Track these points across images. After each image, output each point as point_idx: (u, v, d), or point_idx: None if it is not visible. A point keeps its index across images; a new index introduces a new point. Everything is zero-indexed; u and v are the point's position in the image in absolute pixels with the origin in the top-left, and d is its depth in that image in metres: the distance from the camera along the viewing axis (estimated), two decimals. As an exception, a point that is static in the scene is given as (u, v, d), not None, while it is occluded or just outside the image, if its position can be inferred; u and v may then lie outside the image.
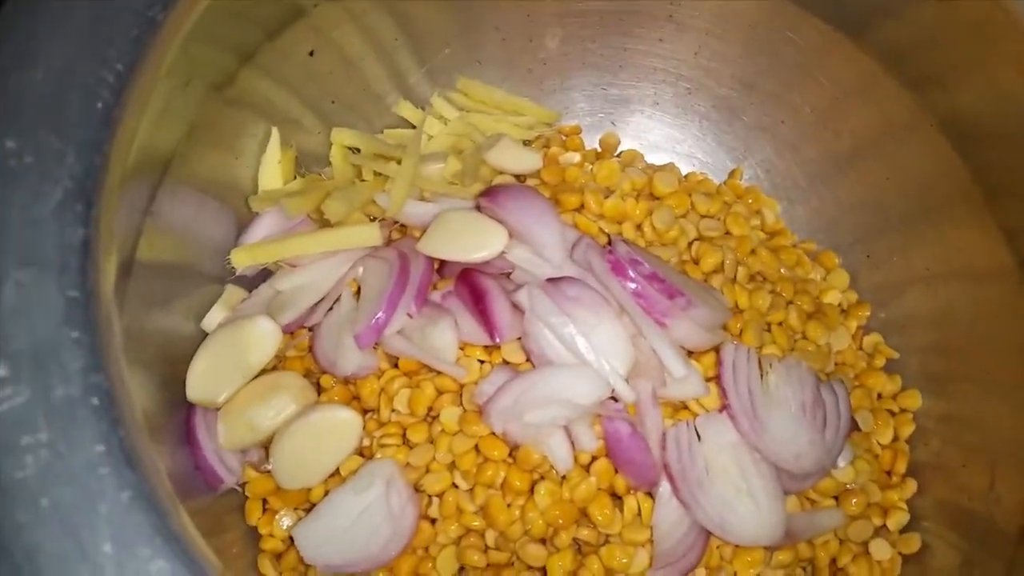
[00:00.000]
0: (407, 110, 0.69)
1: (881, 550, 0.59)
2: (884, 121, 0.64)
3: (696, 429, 0.54)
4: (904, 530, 0.61)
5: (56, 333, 0.36)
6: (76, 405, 0.35)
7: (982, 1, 0.53)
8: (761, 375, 0.55)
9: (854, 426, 0.61)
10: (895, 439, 0.63)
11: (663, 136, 0.74)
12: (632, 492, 0.54)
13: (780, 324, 0.61)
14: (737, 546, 0.54)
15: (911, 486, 0.62)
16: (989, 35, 0.54)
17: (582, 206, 0.62)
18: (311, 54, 0.62)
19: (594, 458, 0.54)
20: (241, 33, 0.54)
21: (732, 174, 0.72)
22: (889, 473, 0.63)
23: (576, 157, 0.66)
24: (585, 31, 0.70)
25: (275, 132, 0.62)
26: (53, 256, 0.37)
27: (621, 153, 0.72)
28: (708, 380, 0.56)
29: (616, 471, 0.53)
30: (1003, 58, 0.53)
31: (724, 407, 0.54)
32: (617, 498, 0.54)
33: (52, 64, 0.39)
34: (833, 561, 0.58)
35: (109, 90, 0.40)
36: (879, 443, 0.62)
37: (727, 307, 0.59)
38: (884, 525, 0.60)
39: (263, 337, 0.56)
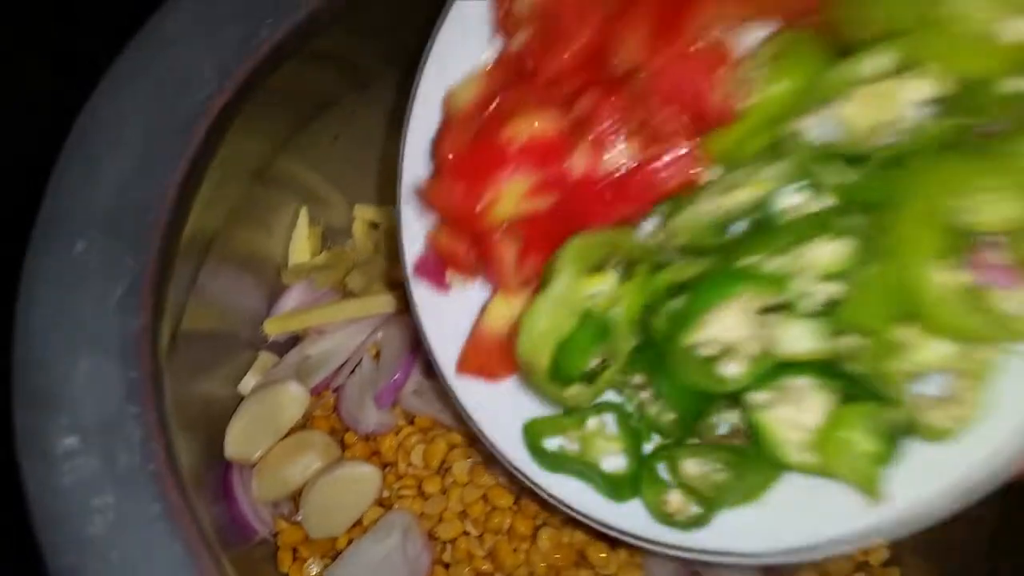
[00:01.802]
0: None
1: (862, 586, 0.64)
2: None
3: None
4: (885, 564, 0.65)
5: (119, 409, 0.42)
6: (137, 471, 0.41)
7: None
8: None
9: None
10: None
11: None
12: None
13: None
14: (722, 584, 0.59)
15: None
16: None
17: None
18: (336, 138, 0.69)
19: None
20: (274, 131, 0.61)
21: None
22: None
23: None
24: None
25: (304, 211, 0.69)
26: (116, 343, 0.43)
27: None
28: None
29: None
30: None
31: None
32: (612, 541, 0.59)
33: (113, 179, 0.46)
34: (816, 598, 0.63)
35: (159, 197, 0.47)
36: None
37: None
38: (866, 561, 0.65)
39: (292, 400, 0.62)
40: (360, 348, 0.66)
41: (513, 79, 0.42)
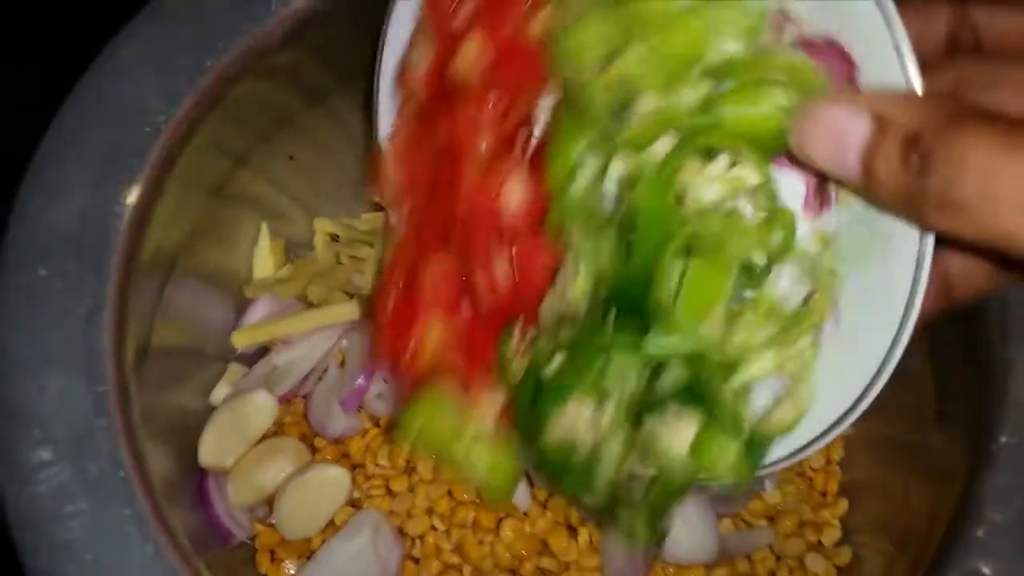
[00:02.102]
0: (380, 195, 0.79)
1: (816, 563, 0.66)
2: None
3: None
4: (838, 544, 0.69)
5: (88, 422, 0.45)
6: (106, 478, 0.44)
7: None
8: None
9: (784, 453, 0.69)
10: (827, 462, 0.71)
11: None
12: (584, 524, 0.62)
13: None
14: (679, 565, 0.62)
15: (843, 504, 0.70)
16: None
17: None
18: (291, 158, 0.71)
19: (549, 496, 0.62)
20: (228, 151, 0.64)
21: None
22: (824, 494, 0.71)
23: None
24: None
25: (264, 226, 0.72)
26: (83, 360, 0.46)
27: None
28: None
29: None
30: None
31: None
32: (572, 529, 0.62)
33: (72, 204, 0.49)
34: (772, 574, 0.66)
35: (117, 220, 0.49)
36: (811, 467, 0.70)
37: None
38: (819, 541, 0.68)
39: (262, 408, 0.64)
40: (326, 356, 0.68)
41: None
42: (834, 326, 0.41)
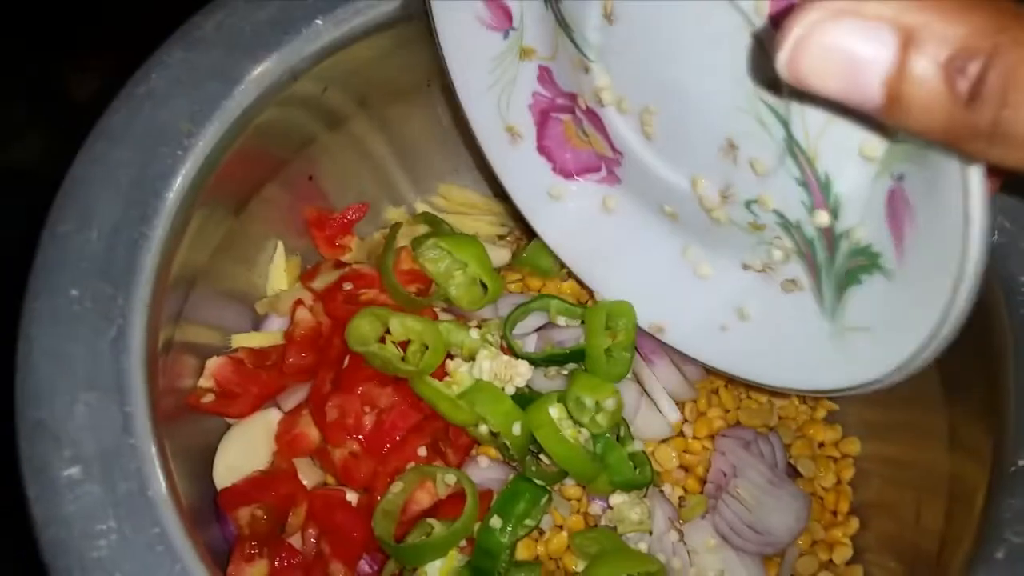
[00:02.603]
0: (394, 214, 0.80)
1: (827, 582, 0.67)
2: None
3: (681, 532, 0.63)
4: (849, 563, 0.69)
5: (117, 441, 0.46)
6: (136, 497, 0.45)
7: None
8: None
9: (795, 472, 0.69)
10: (838, 482, 0.72)
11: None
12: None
13: (726, 386, 0.70)
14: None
15: (854, 524, 0.70)
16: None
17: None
18: (310, 178, 0.72)
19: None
20: (252, 172, 0.65)
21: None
22: (835, 513, 0.71)
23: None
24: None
25: (280, 245, 0.73)
26: (112, 380, 0.47)
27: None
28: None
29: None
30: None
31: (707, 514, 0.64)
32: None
33: (102, 226, 0.50)
34: (784, 593, 0.67)
35: (146, 241, 0.50)
36: (822, 487, 0.71)
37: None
38: (831, 560, 0.69)
39: (273, 426, 0.65)
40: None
41: None
42: (899, 262, 0.41)
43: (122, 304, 0.48)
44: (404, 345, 0.62)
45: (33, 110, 0.88)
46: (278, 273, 0.73)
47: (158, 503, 0.45)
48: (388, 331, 0.61)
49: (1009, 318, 0.53)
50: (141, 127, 0.52)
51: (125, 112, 0.52)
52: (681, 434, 0.67)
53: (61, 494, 0.44)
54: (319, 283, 0.69)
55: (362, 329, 0.61)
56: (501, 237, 0.80)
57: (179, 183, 0.52)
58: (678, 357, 0.65)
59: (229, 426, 0.66)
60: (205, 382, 0.64)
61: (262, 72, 0.54)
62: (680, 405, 0.67)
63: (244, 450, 0.65)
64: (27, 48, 0.87)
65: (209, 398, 0.63)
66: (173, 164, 0.52)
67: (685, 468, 0.66)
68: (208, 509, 0.63)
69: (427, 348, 0.60)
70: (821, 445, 0.73)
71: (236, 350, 0.67)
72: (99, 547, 0.43)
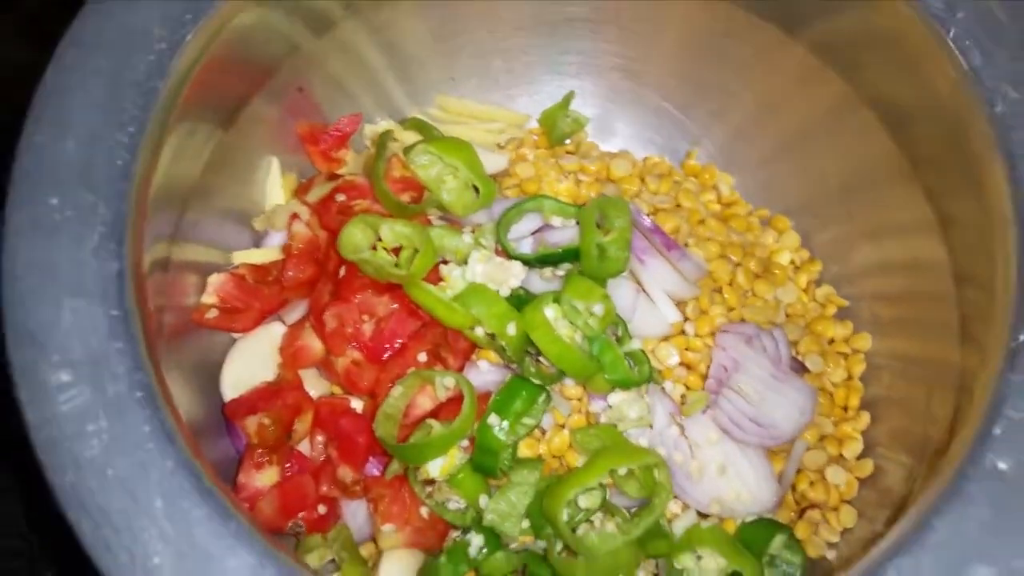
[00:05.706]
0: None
1: (837, 476, 0.66)
2: (822, 105, 0.71)
3: (682, 427, 0.62)
4: (859, 457, 0.68)
5: (104, 345, 0.46)
6: (125, 398, 0.45)
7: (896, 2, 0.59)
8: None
9: (803, 368, 0.68)
10: (849, 377, 0.71)
11: (625, 127, 0.82)
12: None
13: (730, 284, 0.69)
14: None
15: (864, 418, 0.69)
16: (902, 31, 0.61)
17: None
18: (300, 90, 0.71)
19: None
20: (236, 81, 0.64)
21: (688, 155, 0.80)
22: (845, 408, 0.70)
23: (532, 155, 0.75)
24: (543, 39, 0.79)
25: (275, 161, 0.72)
26: (96, 286, 0.47)
27: (580, 146, 0.80)
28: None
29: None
30: (916, 49, 0.60)
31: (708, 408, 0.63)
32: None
33: (80, 134, 0.49)
34: (793, 487, 0.66)
35: (126, 149, 0.50)
36: (831, 382, 0.70)
37: (704, 266, 0.68)
38: (841, 454, 0.68)
39: (278, 339, 0.66)
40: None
41: None
42: None
43: (103, 212, 0.48)
44: (397, 252, 0.61)
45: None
46: (274, 190, 0.73)
47: (148, 403, 0.45)
48: (380, 238, 0.61)
49: (1012, 190, 0.51)
50: (113, 33, 0.51)
51: (95, 18, 0.51)
52: (683, 332, 0.66)
53: (52, 397, 0.45)
54: (313, 196, 0.68)
55: (353, 237, 0.60)
56: (500, 146, 0.78)
57: (155, 89, 0.51)
58: (676, 255, 0.64)
59: (235, 341, 0.67)
60: (208, 299, 0.64)
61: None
62: (683, 305, 0.66)
63: (250, 363, 0.66)
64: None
65: (213, 314, 0.63)
66: (147, 71, 0.51)
67: (687, 366, 0.65)
68: (218, 423, 0.64)
69: (418, 252, 0.60)
70: (831, 342, 0.72)
71: (238, 266, 0.68)
72: (92, 446, 0.44)
